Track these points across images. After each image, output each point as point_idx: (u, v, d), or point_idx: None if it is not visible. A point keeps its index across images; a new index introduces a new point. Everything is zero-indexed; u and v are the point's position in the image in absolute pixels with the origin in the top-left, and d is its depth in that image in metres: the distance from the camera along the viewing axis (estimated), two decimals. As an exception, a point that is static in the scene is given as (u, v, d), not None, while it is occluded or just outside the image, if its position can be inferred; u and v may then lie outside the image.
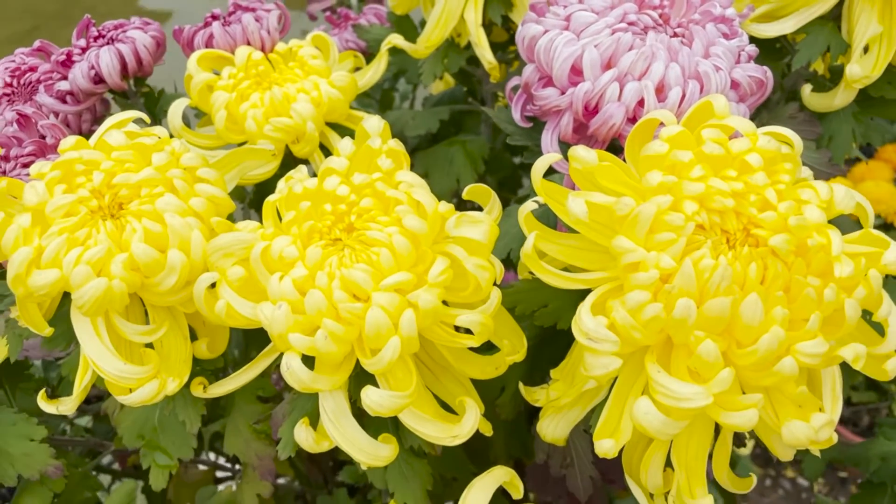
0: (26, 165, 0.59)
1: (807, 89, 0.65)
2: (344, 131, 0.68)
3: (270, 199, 0.44)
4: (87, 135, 0.50)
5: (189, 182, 0.46)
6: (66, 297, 0.47)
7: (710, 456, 0.42)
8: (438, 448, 0.49)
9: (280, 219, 0.43)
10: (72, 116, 0.69)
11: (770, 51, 0.68)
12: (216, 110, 0.64)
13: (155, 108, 0.74)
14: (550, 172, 0.47)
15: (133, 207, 0.45)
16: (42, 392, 0.49)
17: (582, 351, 0.39)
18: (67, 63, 0.67)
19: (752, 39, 0.58)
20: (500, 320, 0.46)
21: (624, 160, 0.43)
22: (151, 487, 0.60)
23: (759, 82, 0.49)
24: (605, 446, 0.39)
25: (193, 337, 0.50)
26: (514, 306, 0.47)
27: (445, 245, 0.41)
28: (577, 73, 0.48)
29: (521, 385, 0.48)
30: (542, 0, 0.53)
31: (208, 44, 0.68)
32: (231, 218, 0.48)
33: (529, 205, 0.42)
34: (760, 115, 0.69)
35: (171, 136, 0.51)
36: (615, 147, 0.48)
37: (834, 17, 0.63)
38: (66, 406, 0.48)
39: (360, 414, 0.42)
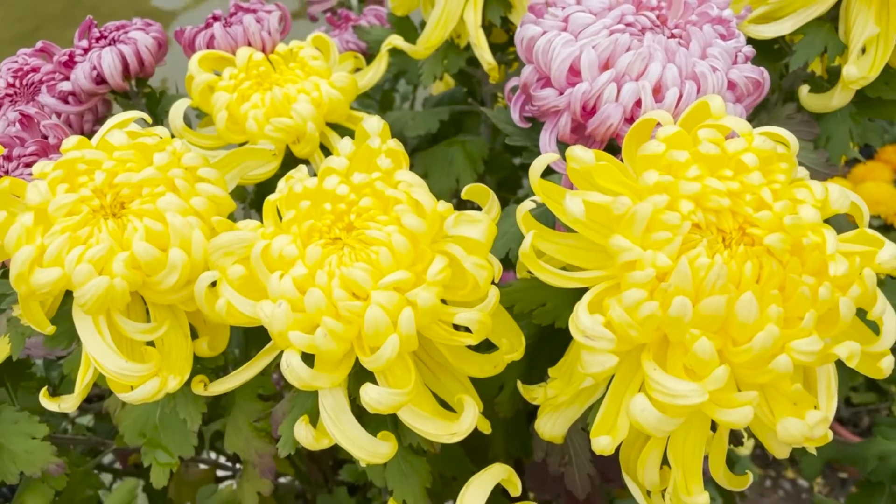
0: (29, 165, 0.59)
1: (804, 90, 0.65)
2: (344, 131, 0.68)
3: (271, 198, 0.45)
4: (89, 135, 0.50)
5: (190, 181, 0.47)
6: (68, 295, 0.47)
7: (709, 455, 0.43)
8: (437, 446, 0.49)
9: (280, 218, 0.44)
10: (74, 117, 0.70)
11: (768, 52, 0.68)
12: (217, 111, 0.64)
13: (156, 108, 0.74)
14: (549, 172, 0.47)
15: (135, 206, 0.45)
16: (44, 389, 0.50)
17: (579, 349, 0.39)
18: (70, 64, 0.68)
19: (751, 41, 0.59)
20: (499, 319, 0.46)
21: (621, 160, 0.43)
22: (152, 486, 0.61)
23: (756, 83, 0.49)
24: (602, 443, 0.40)
25: (194, 335, 0.50)
26: (513, 305, 0.48)
27: (444, 244, 0.42)
28: (575, 73, 0.48)
29: (519, 383, 0.49)
30: (540, 1, 0.53)
31: (209, 45, 0.69)
32: (232, 217, 0.48)
33: (527, 204, 0.43)
34: (759, 115, 0.69)
35: (173, 137, 0.51)
36: (613, 147, 0.48)
37: (831, 19, 0.63)
38: (68, 403, 0.49)
39: (359, 412, 0.43)
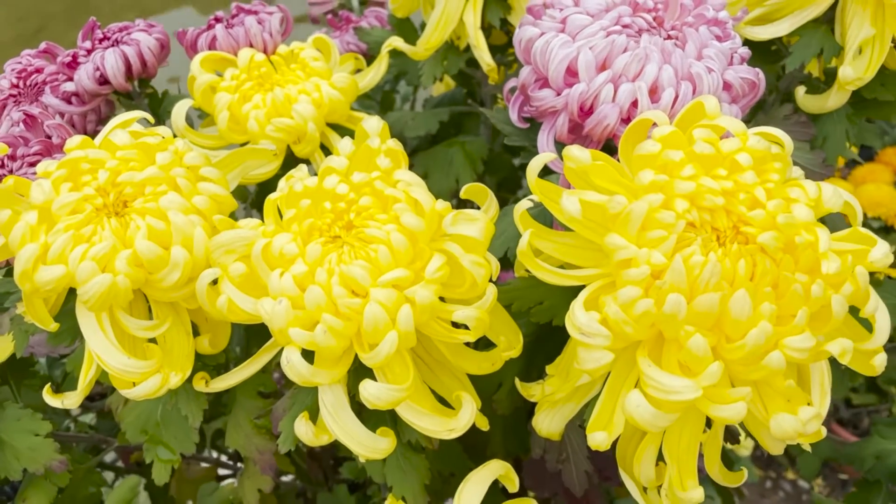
0: (33, 164, 0.60)
1: (801, 91, 0.65)
2: (344, 132, 0.68)
3: (271, 197, 0.45)
4: (92, 135, 0.51)
5: (192, 181, 0.47)
6: (72, 293, 0.48)
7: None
8: (436, 442, 0.50)
9: (281, 216, 0.44)
10: (77, 117, 0.70)
11: (765, 53, 0.69)
12: (219, 111, 0.65)
13: (159, 108, 0.75)
14: (547, 172, 0.47)
15: (137, 205, 0.46)
16: (47, 386, 0.50)
17: (576, 346, 0.40)
18: (73, 65, 0.68)
19: (748, 42, 0.59)
20: (497, 317, 0.47)
21: (618, 160, 0.44)
22: (154, 483, 0.61)
23: (752, 84, 0.50)
24: (598, 439, 0.40)
25: (196, 332, 0.51)
26: (511, 303, 0.48)
27: (442, 242, 0.42)
28: (572, 74, 0.49)
29: (517, 381, 0.49)
30: (538, 3, 0.54)
31: (211, 46, 0.69)
32: (233, 216, 0.49)
33: (525, 203, 0.43)
34: (756, 116, 0.70)
35: (175, 136, 0.52)
36: (610, 147, 0.49)
37: (827, 20, 0.64)
38: (71, 400, 0.49)
39: (359, 409, 0.43)
